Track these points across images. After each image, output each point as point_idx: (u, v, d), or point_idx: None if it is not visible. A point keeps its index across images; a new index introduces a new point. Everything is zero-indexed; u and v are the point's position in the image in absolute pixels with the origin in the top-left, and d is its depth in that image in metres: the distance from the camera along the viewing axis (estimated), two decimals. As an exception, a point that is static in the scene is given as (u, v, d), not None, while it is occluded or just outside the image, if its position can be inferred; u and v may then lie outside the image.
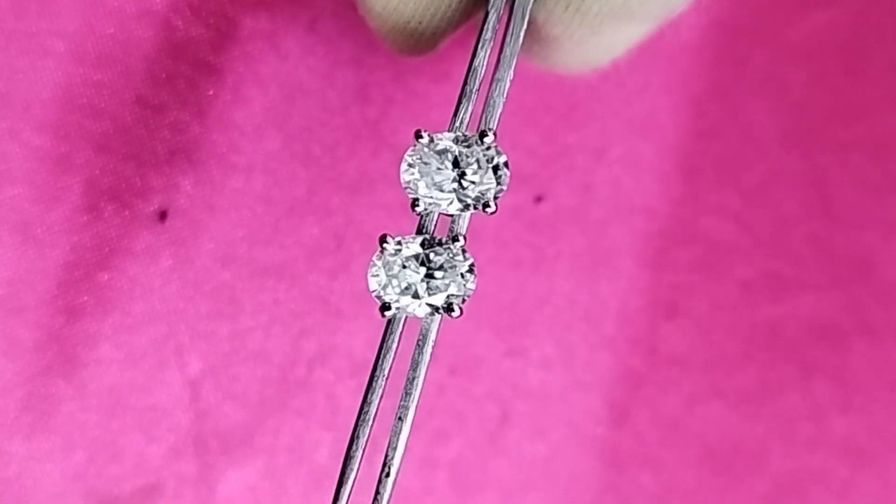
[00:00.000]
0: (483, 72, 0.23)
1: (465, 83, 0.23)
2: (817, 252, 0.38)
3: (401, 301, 0.22)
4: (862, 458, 0.38)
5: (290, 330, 0.33)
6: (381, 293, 0.22)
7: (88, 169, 0.31)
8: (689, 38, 0.37)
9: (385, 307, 0.22)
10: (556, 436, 0.36)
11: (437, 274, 0.22)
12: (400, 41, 0.26)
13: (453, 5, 0.25)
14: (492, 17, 0.23)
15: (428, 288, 0.22)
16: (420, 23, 0.25)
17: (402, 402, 0.22)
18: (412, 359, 0.22)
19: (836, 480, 0.38)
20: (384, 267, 0.22)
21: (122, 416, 0.32)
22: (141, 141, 0.31)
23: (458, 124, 0.23)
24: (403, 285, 0.22)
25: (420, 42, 0.26)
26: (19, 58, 0.30)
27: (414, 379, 0.22)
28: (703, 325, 0.38)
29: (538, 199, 0.36)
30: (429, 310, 0.22)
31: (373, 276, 0.22)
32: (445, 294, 0.22)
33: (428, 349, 0.22)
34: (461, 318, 0.30)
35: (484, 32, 0.23)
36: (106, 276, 0.31)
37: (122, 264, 0.31)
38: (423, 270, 0.22)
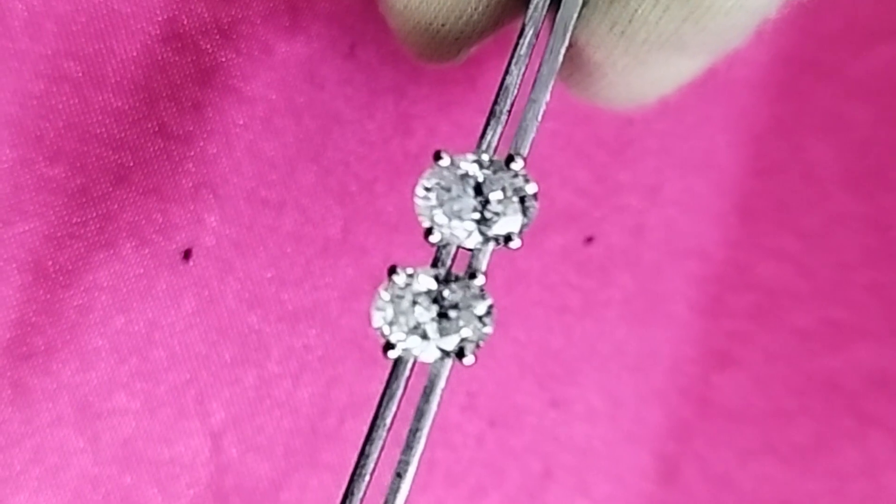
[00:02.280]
0: (516, 91, 0.20)
1: (494, 102, 0.20)
2: (879, 300, 0.35)
3: (408, 341, 0.19)
4: (919, 516, 0.35)
5: (321, 378, 0.30)
6: (387, 331, 0.19)
7: (106, 203, 0.27)
8: (749, 72, 0.33)
9: (388, 346, 0.19)
10: (601, 492, 0.33)
11: (451, 314, 0.19)
12: (421, 44, 0.23)
13: (480, 8, 0.22)
14: (528, 32, 0.20)
15: (439, 329, 0.19)
16: (443, 25, 0.22)
17: (403, 457, 0.19)
18: (417, 408, 0.19)
19: (892, 539, 0.35)
20: (392, 302, 0.19)
21: (138, 469, 0.28)
22: (164, 173, 0.28)
23: (484, 147, 0.20)
24: (412, 324, 0.19)
25: (442, 46, 0.23)
26: (33, 82, 0.27)
27: (417, 431, 0.19)
28: (757, 376, 0.34)
29: (588, 240, 0.32)
30: (438, 354, 0.19)
31: (378, 310, 0.19)
32: (458, 337, 0.19)
33: (435, 399, 0.19)
34: (503, 365, 0.27)
35: (518, 48, 0.20)
36: (122, 320, 0.28)
37: (141, 306, 0.28)
38: (434, 309, 0.19)
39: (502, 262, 0.31)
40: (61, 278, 0.27)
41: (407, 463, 0.19)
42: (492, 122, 0.20)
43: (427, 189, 0.19)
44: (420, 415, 0.19)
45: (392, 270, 0.19)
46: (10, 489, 0.27)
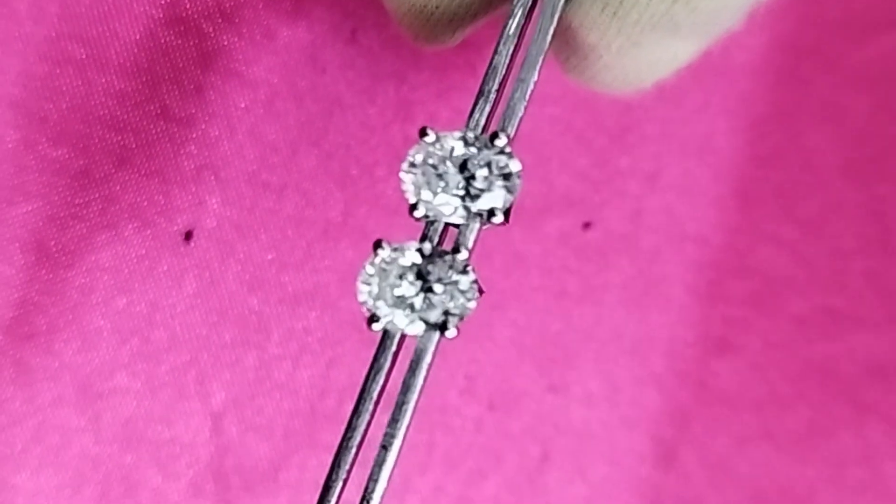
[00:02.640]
0: (504, 71, 0.20)
1: (483, 82, 0.20)
2: (875, 288, 0.34)
3: (392, 315, 0.19)
4: (915, 503, 0.35)
5: (320, 359, 0.30)
6: (371, 304, 0.19)
7: (108, 184, 0.27)
8: (748, 58, 0.33)
9: (373, 319, 0.19)
10: (598, 476, 0.32)
11: (437, 288, 0.19)
12: (416, 26, 0.23)
13: None
14: (517, 12, 0.20)
15: (424, 302, 0.19)
16: (437, 7, 0.22)
17: (389, 430, 0.19)
18: (403, 382, 0.19)
19: (888, 526, 0.34)
20: (377, 276, 0.19)
21: (138, 449, 0.28)
22: (166, 156, 0.27)
23: (471, 126, 0.20)
24: (397, 297, 0.19)
25: (437, 28, 0.23)
26: (37, 64, 0.26)
27: (403, 405, 0.19)
28: (754, 362, 0.34)
29: (587, 226, 0.32)
30: (422, 327, 0.19)
31: (363, 283, 0.19)
32: (441, 311, 0.19)
33: (421, 372, 0.19)
34: (502, 348, 0.27)
35: (507, 28, 0.20)
36: (124, 300, 0.27)
37: (143, 287, 0.28)
38: (419, 283, 0.19)
39: (501, 245, 0.31)
40: (63, 259, 0.27)
41: (392, 436, 0.19)
42: (480, 102, 0.20)
43: (413, 165, 0.19)
44: (406, 388, 0.19)
45: (377, 244, 0.19)
46: (12, 468, 0.27)
